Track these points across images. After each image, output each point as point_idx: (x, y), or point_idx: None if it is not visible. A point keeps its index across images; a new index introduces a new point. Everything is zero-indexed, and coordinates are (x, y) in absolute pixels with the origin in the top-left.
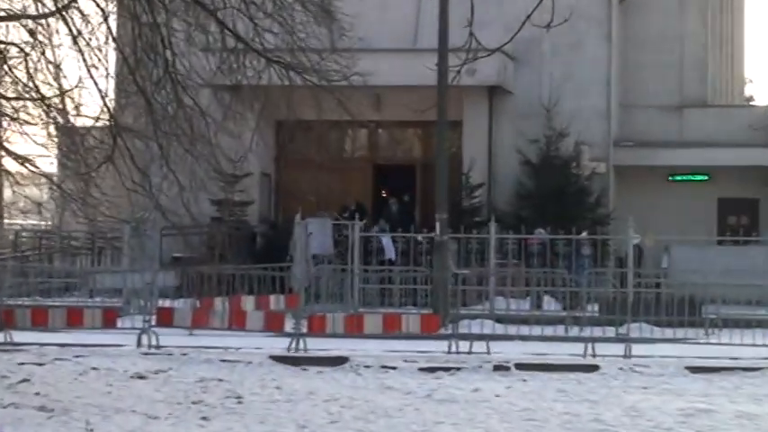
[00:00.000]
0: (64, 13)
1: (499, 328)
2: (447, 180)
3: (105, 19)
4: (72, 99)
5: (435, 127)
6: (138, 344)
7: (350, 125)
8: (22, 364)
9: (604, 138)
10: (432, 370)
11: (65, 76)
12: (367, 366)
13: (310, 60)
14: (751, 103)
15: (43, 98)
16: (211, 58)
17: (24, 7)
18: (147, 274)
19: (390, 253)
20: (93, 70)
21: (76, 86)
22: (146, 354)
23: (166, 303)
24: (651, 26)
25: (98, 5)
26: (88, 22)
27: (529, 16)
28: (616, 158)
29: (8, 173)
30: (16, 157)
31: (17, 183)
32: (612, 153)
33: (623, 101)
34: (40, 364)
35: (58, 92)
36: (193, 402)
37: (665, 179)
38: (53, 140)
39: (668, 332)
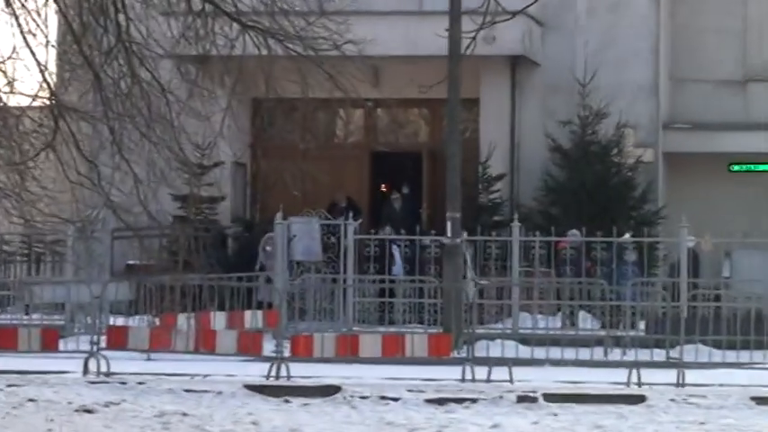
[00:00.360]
0: None
1: (524, 351)
2: (460, 171)
3: None
4: (4, 72)
5: (446, 106)
6: (85, 370)
7: (342, 104)
8: None
9: (652, 119)
10: (442, 402)
11: None
12: (363, 397)
13: (294, 26)
14: None
15: None
16: (174, 23)
17: None
18: (95, 285)
19: (400, 270)
20: (29, 38)
21: (9, 58)
22: (94, 382)
23: (119, 321)
24: None
25: None
26: None
27: None
28: (666, 144)
29: None
30: None
31: None
32: (662, 137)
33: (675, 74)
34: None
35: None
36: None
37: (725, 169)
38: None
39: (730, 355)
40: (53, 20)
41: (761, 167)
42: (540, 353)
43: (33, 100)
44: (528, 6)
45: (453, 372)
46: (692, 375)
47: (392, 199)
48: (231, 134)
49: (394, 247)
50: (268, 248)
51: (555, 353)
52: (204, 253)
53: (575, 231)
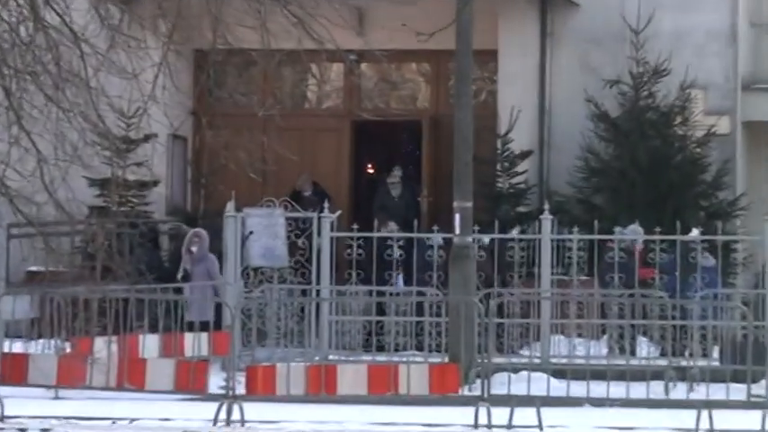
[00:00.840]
0: None
1: (558, 387)
2: (472, 146)
3: None
4: None
5: (452, 61)
6: None
7: (315, 58)
8: None
9: (728, 77)
10: None
11: None
12: None
13: None
14: None
15: None
16: None
17: None
18: None
19: (401, 287)
20: None
21: None
22: None
23: (17, 347)
24: None
25: None
26: None
27: None
28: (746, 110)
29: None
30: None
31: None
32: (741, 102)
33: (757, 18)
34: None
35: None
36: None
37: None
38: None
39: None
40: None
41: None
42: (578, 389)
43: None
44: None
45: (463, 414)
46: None
47: (389, 184)
48: (167, 97)
49: (398, 278)
50: (193, 249)
51: (598, 389)
52: (131, 256)
53: (621, 229)
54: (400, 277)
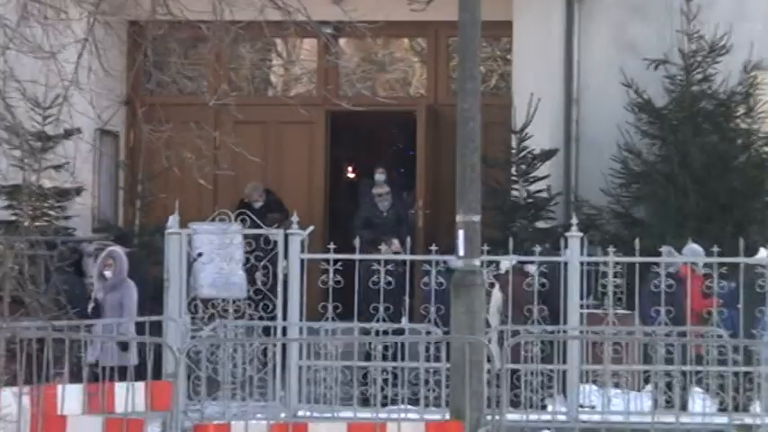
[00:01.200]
0: None
1: None
2: (481, 144)
3: None
4: None
5: (455, 35)
6: None
7: (281, 33)
8: None
9: None
10: None
11: None
12: None
13: None
14: None
15: None
16: None
17: None
18: None
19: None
20: None
21: None
22: None
23: None
24: None
25: None
26: None
27: None
28: None
29: None
30: None
31: None
32: None
33: None
34: None
35: None
36: None
37: None
38: None
39: None
40: None
41: None
42: None
43: None
44: None
45: None
46: None
47: (375, 196)
48: (94, 83)
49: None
50: (107, 274)
51: None
52: (47, 284)
53: (693, 247)
54: (405, 319)
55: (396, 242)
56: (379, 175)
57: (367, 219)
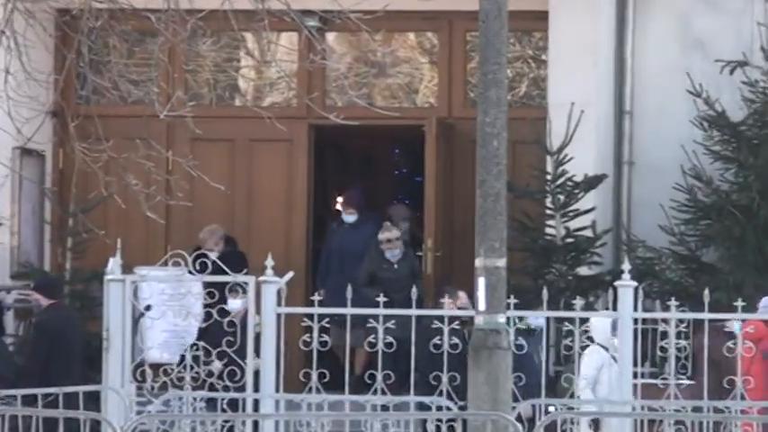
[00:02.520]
0: None
1: None
2: (506, 168)
3: None
4: None
5: (474, 29)
6: None
7: (251, 25)
8: None
9: None
10: None
11: None
12: None
13: None
14: None
15: None
16: None
17: None
18: None
19: None
20: None
21: None
22: None
23: None
24: None
25: None
26: None
27: None
28: None
29: None
30: None
31: None
32: None
33: None
34: None
35: None
36: None
37: None
38: None
39: None
40: None
41: None
42: None
43: None
44: None
45: None
46: None
47: (383, 243)
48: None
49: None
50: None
51: None
52: None
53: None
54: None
55: (463, 295)
56: (395, 216)
57: (374, 273)
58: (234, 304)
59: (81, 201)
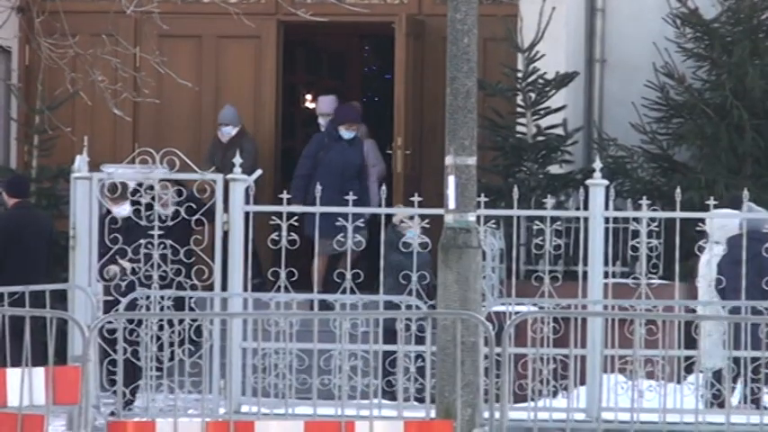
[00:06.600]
0: None
1: None
2: (477, 66)
3: None
4: None
5: None
6: None
7: None
8: None
9: None
10: None
11: None
12: None
13: None
14: None
15: None
16: None
17: None
18: None
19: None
20: None
21: None
22: None
23: None
24: None
25: None
26: None
27: None
28: None
29: None
30: None
31: None
32: None
33: None
34: None
35: None
36: None
37: None
38: None
39: None
40: None
41: None
42: None
43: None
44: None
45: None
46: None
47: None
48: None
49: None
50: None
51: None
52: None
53: (753, 205)
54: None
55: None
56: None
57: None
58: (121, 210)
59: (48, 98)
